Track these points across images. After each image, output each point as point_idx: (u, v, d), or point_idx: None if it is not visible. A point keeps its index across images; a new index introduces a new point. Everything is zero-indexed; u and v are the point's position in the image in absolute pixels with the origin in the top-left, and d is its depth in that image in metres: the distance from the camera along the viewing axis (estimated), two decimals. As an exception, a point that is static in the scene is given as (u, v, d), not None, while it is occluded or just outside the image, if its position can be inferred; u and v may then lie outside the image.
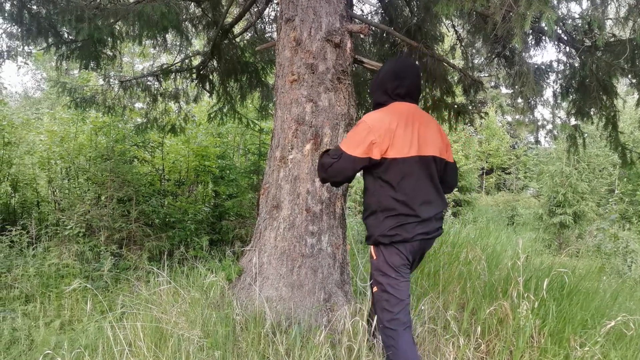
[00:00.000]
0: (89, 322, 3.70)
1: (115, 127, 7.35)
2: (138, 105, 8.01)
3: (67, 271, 5.06)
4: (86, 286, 4.41)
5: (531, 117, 5.75)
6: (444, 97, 5.76)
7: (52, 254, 5.29)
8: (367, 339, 2.85)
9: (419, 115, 2.78)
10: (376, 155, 2.60)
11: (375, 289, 2.72)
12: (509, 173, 33.70)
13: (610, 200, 13.89)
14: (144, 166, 7.83)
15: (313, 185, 3.52)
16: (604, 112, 4.15)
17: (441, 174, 2.81)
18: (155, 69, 6.49)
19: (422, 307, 3.12)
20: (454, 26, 6.32)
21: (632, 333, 2.87)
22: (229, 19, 5.59)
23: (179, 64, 6.39)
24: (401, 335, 2.54)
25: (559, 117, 4.84)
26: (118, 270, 5.18)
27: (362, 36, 4.51)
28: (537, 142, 6.10)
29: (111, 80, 6.44)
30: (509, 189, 32.07)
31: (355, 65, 3.98)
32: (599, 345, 2.66)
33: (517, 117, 5.93)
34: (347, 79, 3.71)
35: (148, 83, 6.56)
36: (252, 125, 7.40)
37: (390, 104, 2.80)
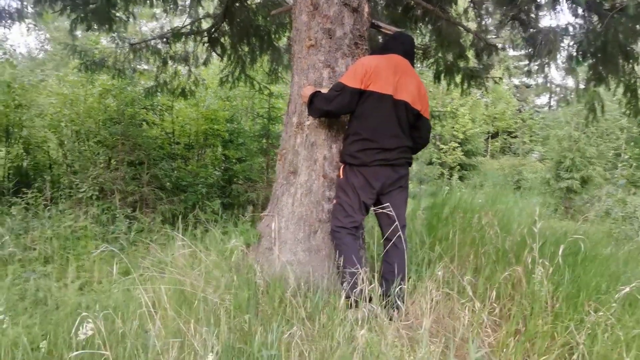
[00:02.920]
0: (110, 284, 3.77)
1: (125, 90, 7.33)
2: (146, 67, 7.94)
3: (82, 233, 5.13)
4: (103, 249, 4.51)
5: (545, 81, 5.70)
6: (457, 61, 5.70)
7: (68, 216, 5.36)
8: (382, 301, 2.94)
9: (407, 68, 3.31)
10: (364, 87, 3.12)
11: (334, 201, 3.36)
12: (515, 137, 33.50)
13: (618, 165, 13.86)
14: (153, 129, 7.84)
15: (330, 151, 3.54)
16: (623, 79, 4.10)
17: (411, 122, 3.32)
18: (165, 31, 6.41)
19: (438, 272, 3.16)
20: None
21: (643, 297, 2.93)
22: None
23: (188, 27, 6.32)
24: (344, 236, 3.21)
25: (579, 82, 4.76)
26: (133, 233, 5.25)
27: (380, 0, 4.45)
28: (550, 107, 6.07)
29: (121, 43, 6.37)
30: (514, 153, 31.95)
31: (372, 29, 3.93)
32: (612, 310, 2.71)
33: (531, 81, 5.90)
34: (364, 44, 3.69)
35: (158, 46, 6.50)
36: (262, 89, 7.35)
37: (388, 54, 3.34)
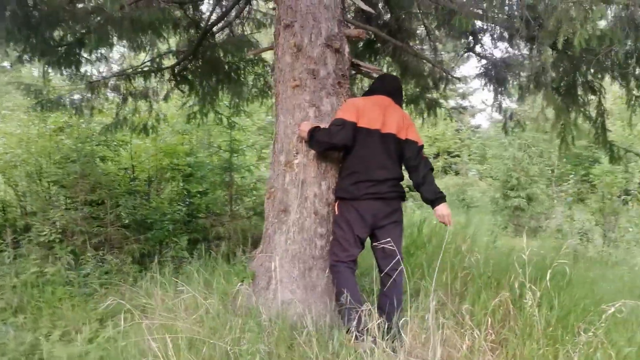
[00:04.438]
0: (93, 332, 3.63)
1: (80, 127, 7.11)
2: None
3: (50, 279, 4.90)
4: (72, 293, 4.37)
5: (497, 112, 6.06)
6: (423, 93, 5.94)
7: (33, 261, 5.11)
8: (385, 335, 3.00)
9: (390, 104, 3.55)
10: (357, 122, 3.33)
11: (332, 237, 3.53)
12: (455, 156, 34.65)
13: (553, 180, 14.63)
14: (111, 165, 7.62)
15: (320, 188, 3.61)
16: (587, 111, 4.35)
17: (399, 152, 3.49)
18: (125, 68, 6.32)
19: (431, 303, 3.25)
20: (423, 21, 6.43)
21: (623, 315, 3.12)
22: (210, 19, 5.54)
23: (148, 64, 6.26)
24: (343, 270, 3.34)
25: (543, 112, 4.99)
26: (106, 276, 5.06)
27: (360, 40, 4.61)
28: (506, 132, 6.40)
29: (78, 81, 6.21)
30: (455, 173, 33.01)
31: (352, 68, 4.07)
32: (601, 330, 2.88)
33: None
34: (346, 82, 3.81)
35: (117, 83, 6.40)
36: (229, 123, 7.33)
37: (373, 95, 3.63)
